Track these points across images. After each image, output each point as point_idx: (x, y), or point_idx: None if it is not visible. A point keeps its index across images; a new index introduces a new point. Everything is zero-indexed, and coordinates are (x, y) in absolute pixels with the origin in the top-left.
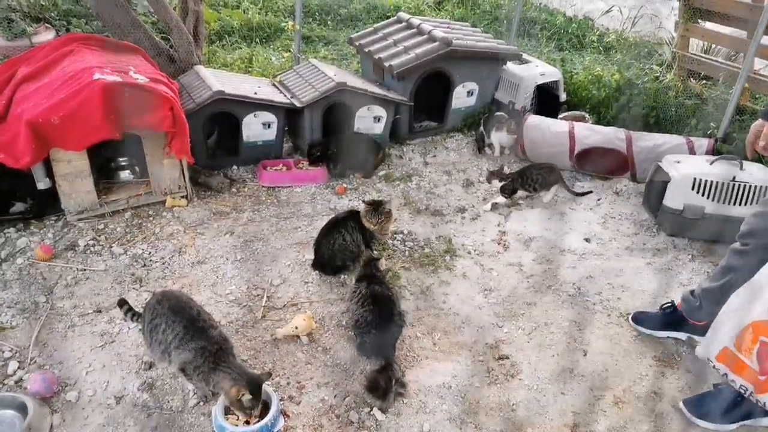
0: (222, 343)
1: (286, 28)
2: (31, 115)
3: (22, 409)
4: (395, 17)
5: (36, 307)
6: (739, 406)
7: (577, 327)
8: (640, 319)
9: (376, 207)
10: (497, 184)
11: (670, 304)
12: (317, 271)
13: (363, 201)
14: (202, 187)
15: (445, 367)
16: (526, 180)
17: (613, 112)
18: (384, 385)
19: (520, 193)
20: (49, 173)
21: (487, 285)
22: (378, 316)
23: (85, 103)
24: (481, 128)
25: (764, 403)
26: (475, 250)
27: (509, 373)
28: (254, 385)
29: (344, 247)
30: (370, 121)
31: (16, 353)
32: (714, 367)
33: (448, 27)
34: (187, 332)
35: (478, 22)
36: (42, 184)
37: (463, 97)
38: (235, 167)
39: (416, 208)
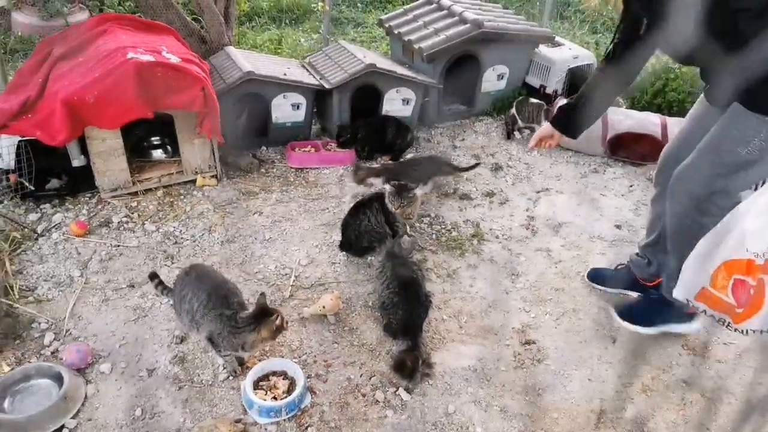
0: (239, 309)
1: (315, 9)
2: (66, 94)
3: (58, 378)
4: None
5: (71, 281)
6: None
7: (606, 314)
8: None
9: (400, 190)
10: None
11: (624, 264)
12: (344, 252)
13: (389, 183)
14: (232, 167)
15: (471, 350)
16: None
17: (648, 97)
18: (410, 365)
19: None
20: (84, 151)
21: (514, 270)
22: (403, 297)
23: (119, 82)
24: (513, 111)
25: (744, 330)
26: (503, 235)
27: (536, 358)
28: (265, 311)
29: (370, 228)
30: (399, 103)
31: (52, 325)
32: (692, 305)
33: (479, 8)
34: (210, 299)
35: (510, 4)
36: (77, 161)
37: (493, 80)
38: (263, 148)
39: (444, 191)
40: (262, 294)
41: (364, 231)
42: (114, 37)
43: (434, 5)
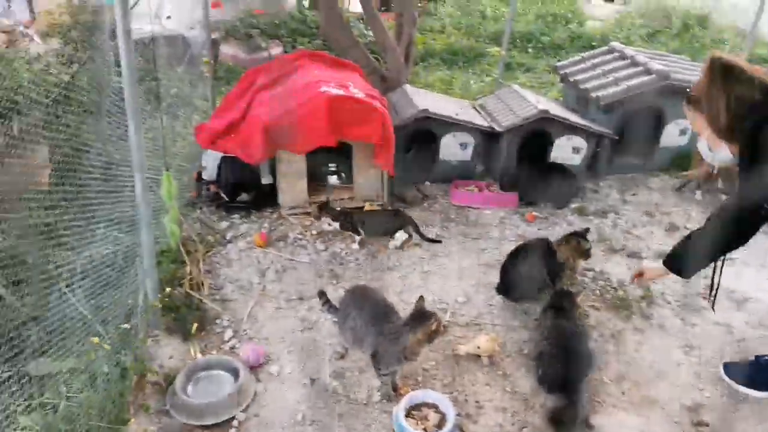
0: (400, 326)
1: (489, 53)
2: (266, 119)
3: (234, 372)
4: (607, 47)
5: (251, 286)
6: None
7: None
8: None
9: (578, 240)
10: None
11: None
12: (501, 296)
13: (573, 233)
14: (397, 199)
15: (634, 420)
16: (352, 222)
17: None
18: (568, 423)
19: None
20: (272, 171)
21: (688, 341)
22: (563, 350)
23: (312, 112)
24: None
25: None
26: (675, 301)
27: None
28: (423, 313)
29: (531, 275)
30: (568, 150)
31: (232, 323)
32: None
33: (665, 60)
34: (372, 316)
35: (698, 56)
36: (266, 179)
37: (674, 135)
38: (428, 183)
39: (611, 246)
40: (421, 297)
41: (524, 277)
42: (309, 71)
43: (616, 54)
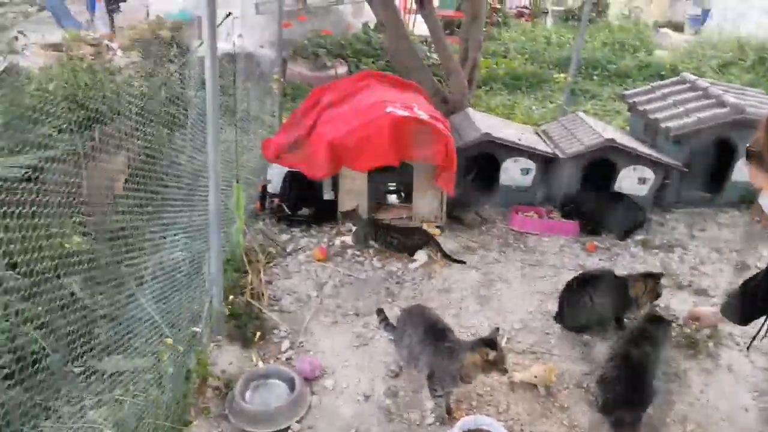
0: (456, 344)
1: (553, 79)
2: (331, 137)
3: (290, 383)
4: (678, 77)
5: (309, 299)
6: None
7: None
8: None
9: (655, 283)
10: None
11: None
12: (560, 325)
13: (650, 274)
14: (455, 221)
15: None
16: (380, 235)
17: None
18: None
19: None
20: (334, 187)
21: (758, 386)
22: (628, 375)
23: (377, 132)
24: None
25: None
26: (746, 343)
27: None
28: (491, 341)
29: (590, 308)
30: (634, 181)
31: (289, 334)
32: None
33: (741, 93)
34: (428, 335)
35: None
36: (327, 195)
37: (746, 170)
38: (486, 207)
39: (677, 282)
40: (497, 328)
41: (583, 309)
42: (374, 91)
43: (687, 85)
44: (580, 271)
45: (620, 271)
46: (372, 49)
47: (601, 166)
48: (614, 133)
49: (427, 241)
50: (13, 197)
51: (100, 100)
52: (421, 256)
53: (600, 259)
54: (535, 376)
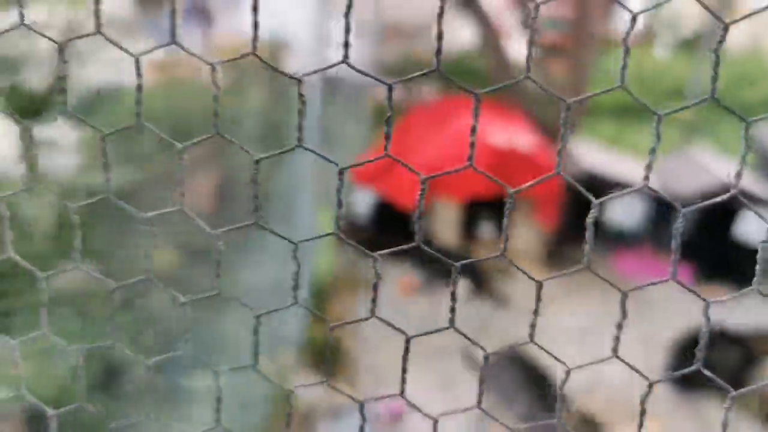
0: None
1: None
2: (424, 165)
3: (373, 419)
4: None
5: (392, 333)
6: None
7: None
8: None
9: None
10: None
11: None
12: (670, 382)
13: None
14: (553, 260)
15: None
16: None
17: None
18: None
19: None
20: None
21: None
22: None
23: (475, 162)
24: None
25: None
26: None
27: None
28: None
29: (716, 365)
30: (758, 227)
31: (371, 369)
32: None
33: None
34: (524, 380)
35: None
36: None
37: None
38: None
39: None
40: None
41: (706, 366)
42: (472, 117)
43: None
44: (695, 323)
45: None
46: (470, 72)
47: (722, 208)
48: (737, 171)
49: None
50: (108, 210)
51: (199, 119)
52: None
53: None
54: None
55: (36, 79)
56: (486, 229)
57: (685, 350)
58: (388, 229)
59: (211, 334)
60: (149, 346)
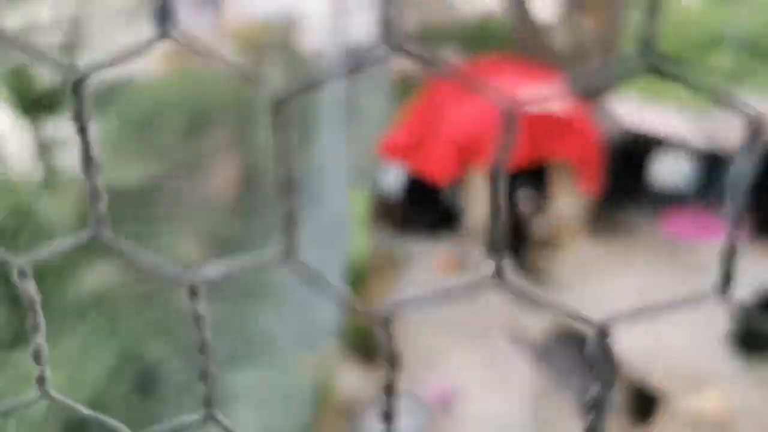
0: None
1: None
2: (455, 136)
3: (420, 406)
4: None
5: (434, 313)
6: None
7: None
8: None
9: None
10: None
11: None
12: (736, 347)
13: None
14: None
15: None
16: None
17: None
18: None
19: None
20: (458, 191)
21: None
22: None
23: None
24: None
25: None
26: None
27: None
28: None
29: None
30: None
31: (415, 352)
32: None
33: None
34: (579, 357)
35: None
36: (451, 199)
37: None
38: (634, 209)
39: None
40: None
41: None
42: (504, 81)
43: None
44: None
45: None
46: (493, 35)
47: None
48: None
49: None
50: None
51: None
52: None
53: None
54: (706, 408)
55: (47, 75)
56: (525, 200)
57: (750, 314)
58: (421, 205)
59: (249, 330)
60: (186, 345)
